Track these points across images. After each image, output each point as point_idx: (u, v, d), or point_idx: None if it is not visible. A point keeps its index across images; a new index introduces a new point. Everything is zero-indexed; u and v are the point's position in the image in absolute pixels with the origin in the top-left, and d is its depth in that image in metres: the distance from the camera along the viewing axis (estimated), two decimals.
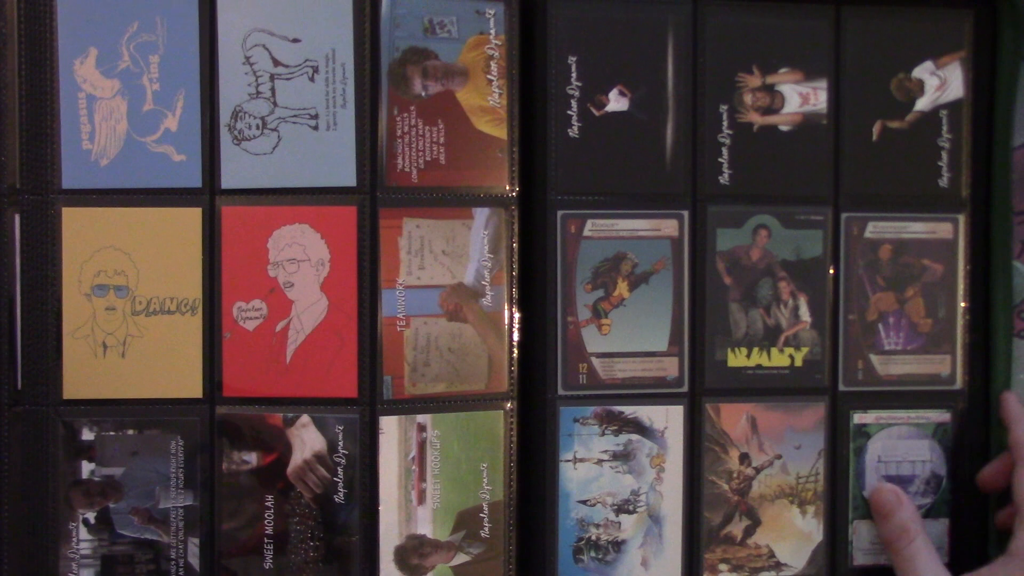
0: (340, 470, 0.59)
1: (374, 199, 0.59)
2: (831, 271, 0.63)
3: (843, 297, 0.63)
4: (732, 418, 0.63)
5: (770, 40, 0.62)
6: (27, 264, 0.58)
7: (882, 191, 0.64)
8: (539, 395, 0.61)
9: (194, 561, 0.59)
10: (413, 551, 0.60)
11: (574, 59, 0.61)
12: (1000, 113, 0.63)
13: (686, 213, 0.62)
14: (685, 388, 0.62)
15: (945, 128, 0.64)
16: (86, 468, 0.58)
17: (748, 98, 0.62)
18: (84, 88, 0.58)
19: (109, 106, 0.58)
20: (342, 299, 0.59)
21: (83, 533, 0.58)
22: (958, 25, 0.64)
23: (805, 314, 0.63)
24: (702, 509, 0.63)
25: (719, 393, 0.63)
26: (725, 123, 0.62)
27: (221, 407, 0.59)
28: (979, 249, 0.64)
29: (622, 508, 0.62)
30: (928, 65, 0.63)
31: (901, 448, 0.64)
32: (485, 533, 0.61)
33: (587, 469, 0.62)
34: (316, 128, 0.59)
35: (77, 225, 0.58)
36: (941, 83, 0.64)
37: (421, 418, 0.60)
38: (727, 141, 0.62)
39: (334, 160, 0.59)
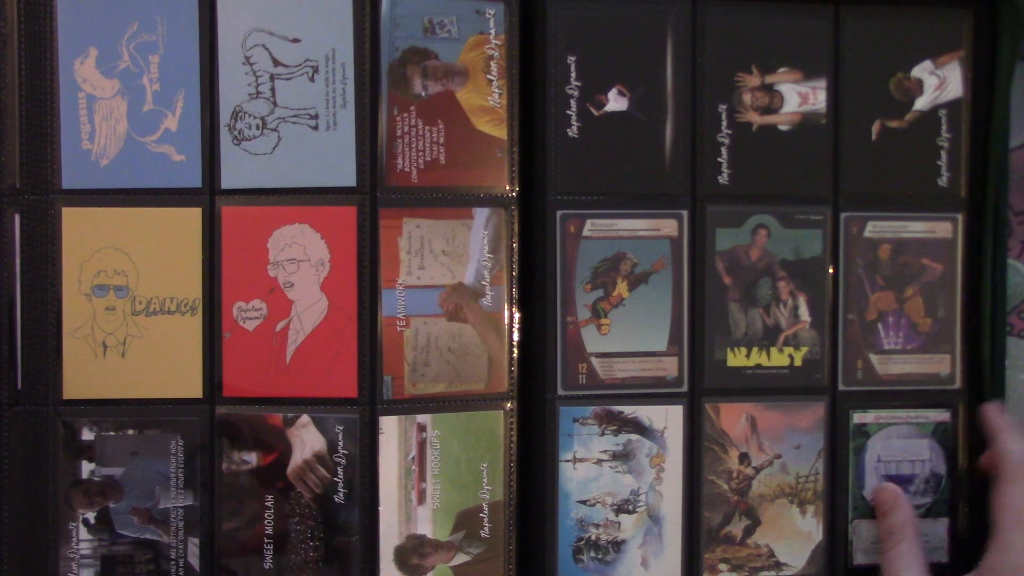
0: (340, 470, 0.59)
1: (374, 199, 0.59)
2: (830, 271, 0.63)
3: (842, 297, 0.64)
4: (732, 418, 0.63)
5: (769, 40, 0.62)
6: (27, 264, 0.58)
7: (881, 191, 0.64)
8: (539, 395, 0.61)
9: (194, 561, 0.59)
10: (413, 551, 0.60)
11: (573, 59, 0.61)
12: (998, 113, 0.63)
13: (685, 213, 0.62)
14: (685, 388, 0.62)
15: (944, 127, 0.64)
16: (86, 468, 0.58)
17: (747, 98, 0.62)
18: (84, 88, 0.58)
19: (109, 106, 0.58)
20: (342, 299, 0.59)
21: (83, 533, 0.58)
22: (957, 25, 0.64)
23: (804, 314, 0.63)
24: (702, 509, 0.63)
25: (719, 393, 0.63)
26: (724, 123, 0.62)
27: (221, 407, 0.59)
28: (978, 248, 0.64)
29: (622, 508, 0.62)
30: (927, 65, 0.64)
31: (901, 448, 0.64)
32: (485, 533, 0.61)
33: (587, 469, 0.62)
34: (316, 128, 0.59)
35: (77, 225, 0.58)
36: (940, 83, 0.64)
37: (421, 418, 0.60)
38: (726, 141, 0.62)
39: (334, 160, 0.59)
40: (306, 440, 0.59)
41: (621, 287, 0.62)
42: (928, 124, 0.64)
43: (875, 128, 0.63)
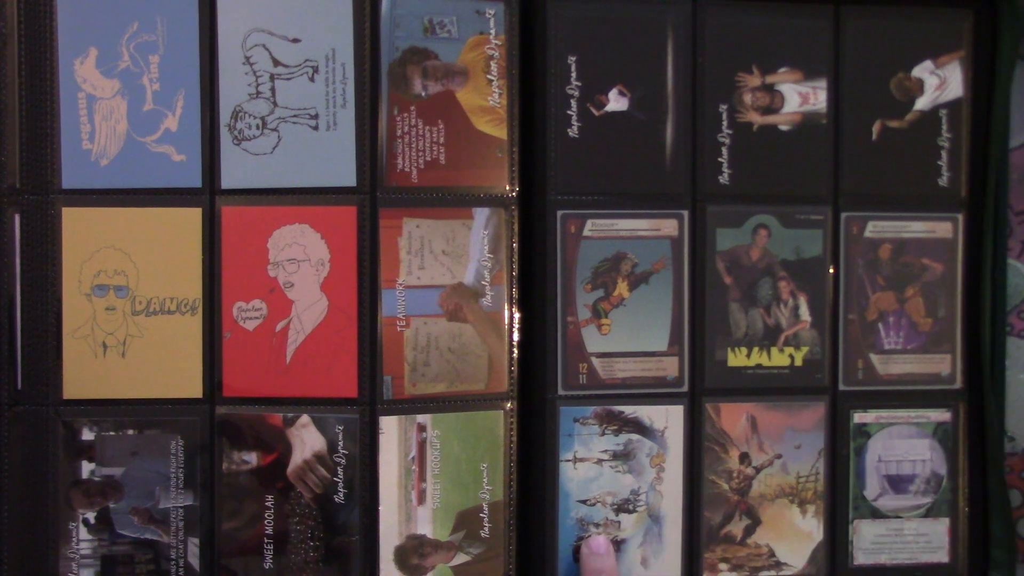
0: (340, 470, 0.59)
1: (374, 199, 0.59)
2: (831, 271, 0.63)
3: (843, 297, 0.64)
4: (732, 418, 0.63)
5: (770, 40, 0.62)
6: (27, 264, 0.58)
7: (882, 190, 0.64)
8: (539, 395, 0.61)
9: (194, 561, 0.59)
10: (413, 551, 0.60)
11: (574, 59, 0.61)
12: (998, 113, 0.63)
13: (686, 213, 0.62)
14: (685, 388, 0.62)
15: (945, 127, 0.64)
16: (86, 468, 0.58)
17: (748, 98, 0.62)
18: (84, 88, 0.58)
19: (109, 106, 0.58)
20: (342, 299, 0.59)
21: (83, 533, 0.58)
22: (957, 25, 0.64)
23: (805, 314, 0.63)
24: (702, 508, 0.63)
25: (719, 393, 0.63)
26: (725, 123, 0.62)
27: (221, 407, 0.59)
28: (978, 248, 0.64)
29: (622, 508, 0.62)
30: (927, 64, 0.64)
31: (901, 447, 0.64)
32: (485, 533, 0.61)
33: (587, 469, 0.62)
34: (316, 128, 0.59)
35: (77, 225, 0.58)
36: (941, 82, 0.64)
37: (421, 418, 0.60)
38: (727, 141, 0.62)
39: (334, 160, 0.59)
40: (306, 440, 0.59)
41: (622, 287, 0.62)
42: (928, 124, 0.64)
43: (875, 128, 0.63)
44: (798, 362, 0.63)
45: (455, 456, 0.60)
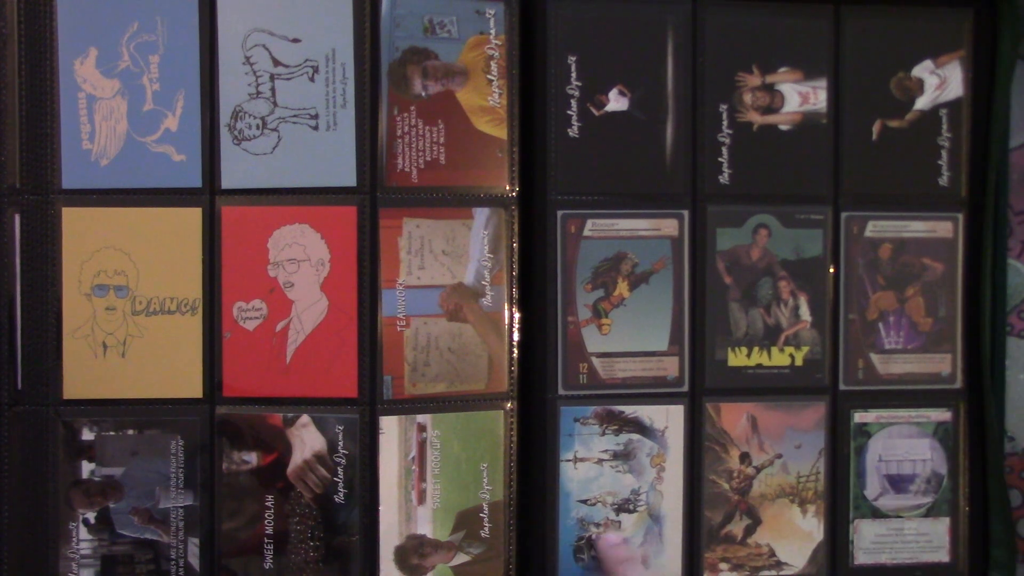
0: (340, 470, 0.59)
1: (374, 199, 0.59)
2: (831, 270, 0.63)
3: (843, 296, 0.63)
4: (732, 417, 0.63)
5: (770, 40, 0.62)
6: (27, 264, 0.58)
7: (882, 190, 0.64)
8: (539, 395, 0.61)
9: (194, 561, 0.59)
10: (413, 551, 0.60)
11: (574, 59, 0.61)
12: (998, 113, 0.63)
13: (686, 213, 0.62)
14: (685, 388, 0.62)
15: (945, 127, 0.64)
16: (86, 468, 0.58)
17: (748, 97, 0.62)
18: (84, 88, 0.58)
19: (109, 106, 0.58)
20: (342, 299, 0.59)
21: (83, 533, 0.58)
22: (957, 24, 0.64)
23: (805, 313, 0.63)
24: (702, 508, 0.62)
25: (719, 393, 0.63)
26: (725, 123, 0.62)
27: (221, 407, 0.59)
28: (978, 248, 0.64)
29: (622, 507, 0.62)
30: (928, 64, 0.64)
31: (902, 447, 0.64)
32: (485, 533, 0.61)
33: (587, 469, 0.61)
34: (316, 128, 0.59)
35: (77, 225, 0.58)
36: (941, 82, 0.64)
37: (421, 418, 0.60)
38: (727, 141, 0.62)
39: (334, 160, 0.59)
40: (306, 440, 0.59)
41: (622, 287, 0.62)
42: (929, 124, 0.64)
43: (876, 128, 0.63)
44: (798, 362, 0.63)
45: (455, 456, 0.60)
